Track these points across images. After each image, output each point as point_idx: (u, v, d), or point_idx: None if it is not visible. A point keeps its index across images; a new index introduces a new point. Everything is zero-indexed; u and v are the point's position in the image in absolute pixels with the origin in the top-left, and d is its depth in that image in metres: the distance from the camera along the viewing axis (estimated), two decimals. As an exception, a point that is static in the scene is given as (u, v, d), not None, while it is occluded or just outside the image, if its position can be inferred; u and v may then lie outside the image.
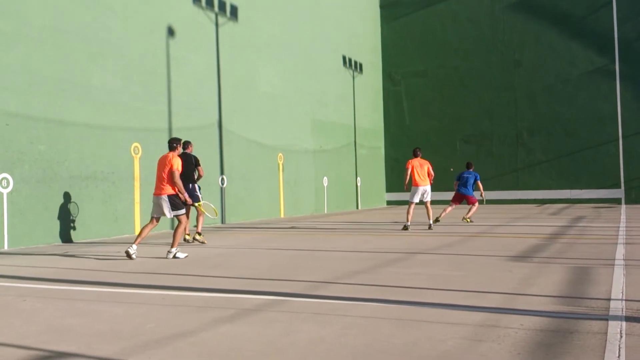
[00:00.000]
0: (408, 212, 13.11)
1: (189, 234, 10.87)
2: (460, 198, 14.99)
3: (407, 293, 5.65)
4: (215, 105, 16.32)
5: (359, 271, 7.11)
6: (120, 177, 12.98)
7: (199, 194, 10.75)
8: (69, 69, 11.97)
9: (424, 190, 13.05)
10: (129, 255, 8.61)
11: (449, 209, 14.89)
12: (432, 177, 13.16)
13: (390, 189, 27.28)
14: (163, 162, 8.93)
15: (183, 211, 9.00)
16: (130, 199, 13.25)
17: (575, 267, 7.06)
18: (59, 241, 11.56)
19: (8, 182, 10.63)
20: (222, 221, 16.36)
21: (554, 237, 10.88)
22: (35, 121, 11.20)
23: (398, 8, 27.37)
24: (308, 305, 5.23)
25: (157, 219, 9.04)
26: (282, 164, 19.29)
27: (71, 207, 11.83)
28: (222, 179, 16.36)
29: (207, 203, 10.91)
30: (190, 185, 10.56)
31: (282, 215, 19.20)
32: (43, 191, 11.30)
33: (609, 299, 5.11)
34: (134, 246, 8.73)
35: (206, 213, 10.50)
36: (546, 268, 7.05)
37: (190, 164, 10.59)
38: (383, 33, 27.63)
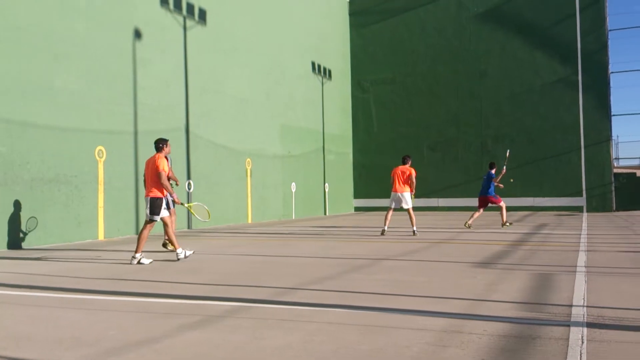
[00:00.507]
0: (385, 217, 13.35)
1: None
2: (482, 201, 15.12)
3: (373, 299, 5.67)
4: (182, 108, 16.16)
5: (326, 277, 7.11)
6: (84, 180, 12.73)
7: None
8: (32, 69, 11.70)
9: (401, 196, 13.17)
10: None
11: (477, 214, 15.14)
12: (414, 185, 13.27)
13: (358, 195, 27.41)
14: (150, 163, 8.81)
15: (158, 218, 8.70)
16: (93, 203, 12.99)
17: (538, 274, 7.18)
18: (19, 246, 11.26)
19: (-34, 185, 10.32)
20: (189, 226, 16.18)
21: (518, 244, 11.06)
22: (-5, 122, 10.89)
23: (367, 16, 27.59)
24: (274, 311, 5.20)
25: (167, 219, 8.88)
26: (250, 169, 19.19)
27: (31, 211, 11.53)
28: (189, 184, 16.18)
29: (200, 204, 10.48)
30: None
31: (249, 221, 19.08)
32: (3, 194, 11.00)
33: (571, 305, 5.21)
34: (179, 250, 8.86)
35: (196, 215, 10.07)
36: (509, 274, 7.16)
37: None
38: (352, 40, 27.80)
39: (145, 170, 8.99)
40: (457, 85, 25.80)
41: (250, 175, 19.24)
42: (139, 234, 8.71)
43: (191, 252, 9.21)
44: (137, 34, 14.51)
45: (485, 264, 8.14)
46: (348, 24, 27.84)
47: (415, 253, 9.72)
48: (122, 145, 13.86)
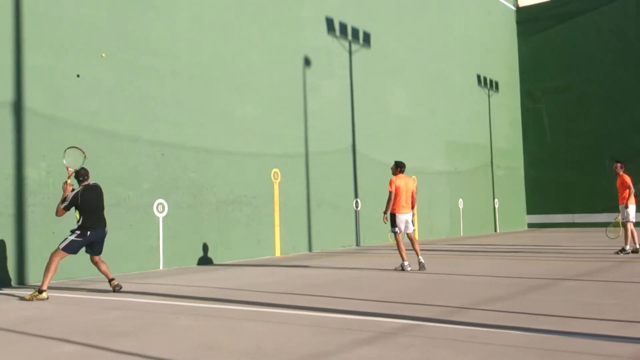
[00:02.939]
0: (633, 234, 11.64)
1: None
2: None
3: (552, 321, 5.37)
4: (348, 129, 16.67)
5: (499, 297, 6.87)
6: (262, 201, 13.65)
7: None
8: (215, 100, 12.89)
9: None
10: (404, 269, 9.91)
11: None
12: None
13: (531, 210, 26.01)
14: (407, 185, 10.14)
15: (396, 229, 10.09)
16: (270, 222, 13.86)
17: None
18: (207, 262, 12.36)
19: (163, 207, 11.61)
20: (357, 243, 16.55)
21: None
22: (186, 150, 12.15)
23: (536, 23, 26.32)
24: (445, 330, 5.15)
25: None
26: (416, 186, 19.14)
27: (218, 230, 12.62)
28: (357, 202, 16.59)
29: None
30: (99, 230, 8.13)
31: (416, 238, 19.00)
32: (193, 215, 12.18)
33: None
34: (405, 262, 9.94)
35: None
36: None
37: (101, 196, 8.31)
38: (520, 49, 26.68)
39: (402, 189, 10.07)
40: (641, 89, 23.53)
41: (416, 193, 19.18)
42: (401, 245, 10.04)
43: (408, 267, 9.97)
44: (307, 62, 15.33)
45: (683, 286, 7.31)
46: (515, 33, 26.77)
47: (599, 273, 9.00)
48: (294, 166, 14.66)
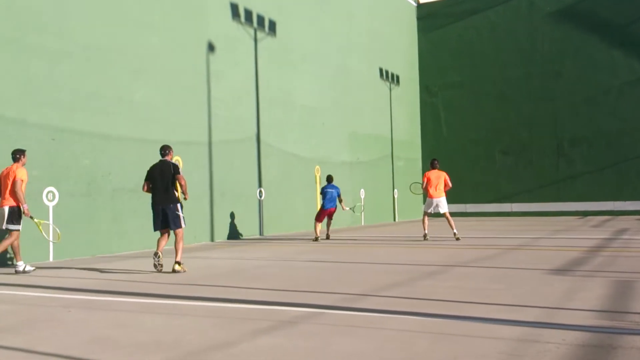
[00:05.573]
0: (424, 223, 13.66)
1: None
2: (329, 213, 14.87)
3: (445, 306, 5.62)
4: (253, 118, 16.53)
5: (396, 284, 7.09)
6: (161, 190, 13.21)
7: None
8: (112, 85, 12.31)
9: (439, 201, 13.53)
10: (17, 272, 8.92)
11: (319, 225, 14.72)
12: (449, 188, 13.69)
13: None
14: (6, 174, 9.00)
15: (18, 227, 9.01)
16: (170, 212, 13.46)
17: (619, 281, 6.90)
18: (102, 253, 11.84)
19: (54, 196, 10.97)
20: (260, 233, 16.50)
21: (597, 250, 10.64)
22: (79, 136, 11.53)
23: (435, 19, 27.29)
24: (345, 317, 5.25)
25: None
26: (319, 176, 19.35)
27: (113, 220, 12.10)
28: (260, 192, 16.51)
29: (49, 223, 10.13)
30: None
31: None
32: (87, 204, 11.60)
33: (655, 315, 4.99)
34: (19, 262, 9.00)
35: (43, 233, 9.51)
36: (588, 282, 6.91)
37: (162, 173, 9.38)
38: (420, 45, 27.57)
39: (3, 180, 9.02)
40: (529, 87, 25.09)
41: (320, 182, 19.39)
42: (3, 241, 8.97)
43: (32, 268, 9.17)
44: (211, 48, 14.99)
45: (563, 270, 7.89)
46: (416, 29, 27.63)
47: (488, 260, 9.53)
48: (197, 155, 14.33)
